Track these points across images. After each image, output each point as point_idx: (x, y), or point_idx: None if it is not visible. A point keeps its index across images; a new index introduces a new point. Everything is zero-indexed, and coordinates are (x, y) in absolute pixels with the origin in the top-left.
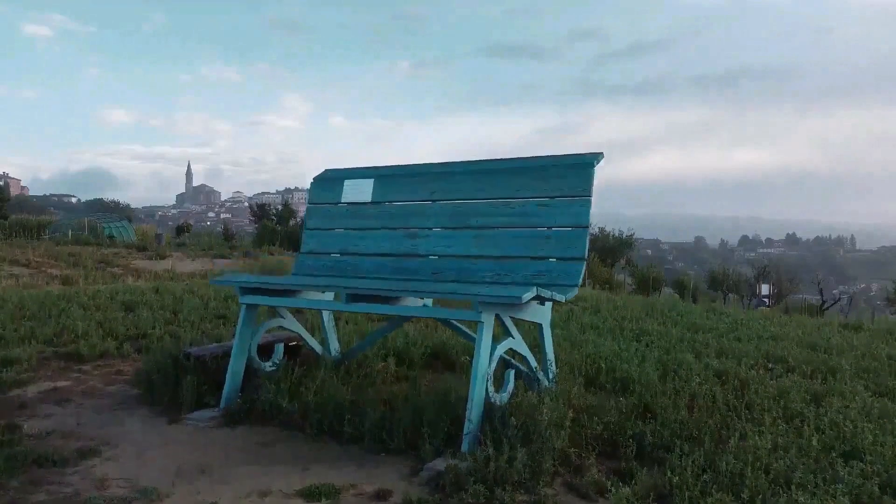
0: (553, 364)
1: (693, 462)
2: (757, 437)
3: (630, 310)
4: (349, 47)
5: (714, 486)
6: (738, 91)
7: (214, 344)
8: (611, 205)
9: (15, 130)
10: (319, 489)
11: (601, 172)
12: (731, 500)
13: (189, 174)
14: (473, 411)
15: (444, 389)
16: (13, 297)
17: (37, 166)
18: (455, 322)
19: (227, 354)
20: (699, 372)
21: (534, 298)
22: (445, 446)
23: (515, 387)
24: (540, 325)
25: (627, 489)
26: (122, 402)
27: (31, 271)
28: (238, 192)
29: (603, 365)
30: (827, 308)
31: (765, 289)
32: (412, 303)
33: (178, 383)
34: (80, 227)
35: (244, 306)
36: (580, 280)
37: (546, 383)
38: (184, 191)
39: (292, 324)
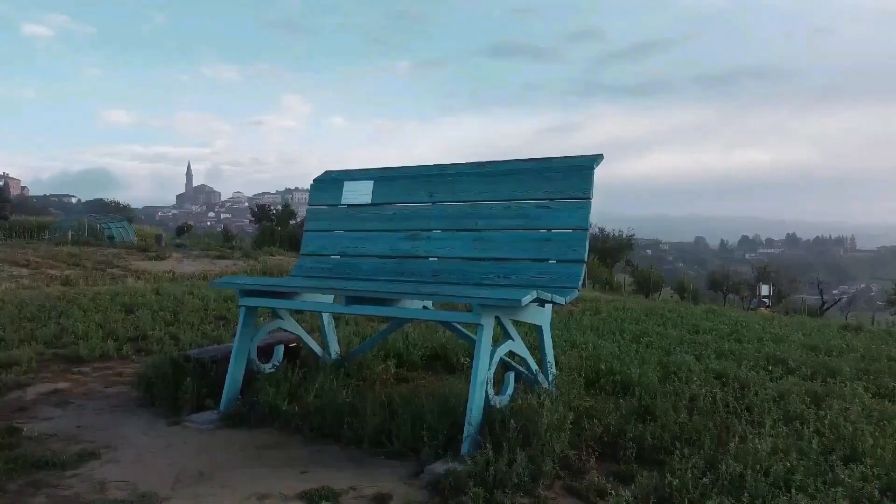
0: (553, 366)
1: (693, 465)
2: (757, 440)
3: (630, 311)
4: (349, 47)
5: (714, 490)
6: (738, 91)
7: (214, 346)
8: (611, 205)
9: (15, 130)
10: (319, 492)
11: (601, 172)
12: None
13: (189, 174)
14: (473, 414)
15: (444, 392)
16: (13, 298)
17: (37, 166)
18: (455, 324)
19: (226, 357)
20: (699, 374)
21: (534, 301)
22: (445, 449)
23: (515, 389)
24: (540, 327)
25: (627, 492)
26: (122, 405)
27: (32, 272)
28: (238, 192)
29: (603, 367)
30: (827, 309)
31: (765, 289)
32: (412, 305)
33: (178, 386)
34: (80, 228)
35: (244, 308)
36: (580, 282)
37: (546, 385)
38: (184, 191)
39: (292, 326)
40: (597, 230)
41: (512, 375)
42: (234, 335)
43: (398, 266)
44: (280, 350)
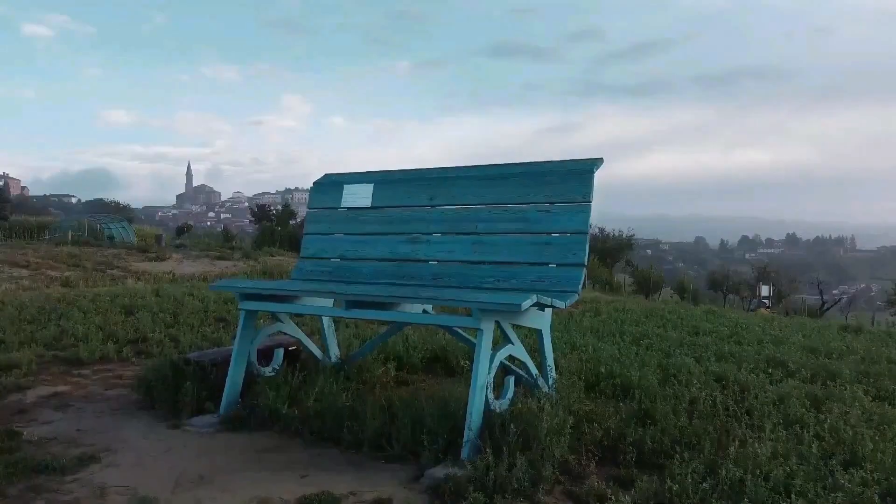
0: (553, 370)
1: (693, 470)
2: (757, 444)
3: (630, 312)
4: (349, 47)
5: (714, 495)
6: (738, 91)
7: (214, 349)
8: (611, 205)
9: (15, 130)
10: (319, 497)
11: (600, 172)
12: None
13: (189, 174)
14: (473, 418)
15: (444, 396)
16: (13, 300)
17: (37, 166)
18: (455, 328)
19: (226, 360)
20: (699, 376)
21: (533, 305)
22: (445, 453)
23: (515, 393)
24: (540, 330)
25: (627, 497)
26: (122, 408)
27: (32, 273)
28: (238, 192)
29: (603, 370)
30: (827, 309)
31: (765, 290)
32: (412, 309)
33: (177, 389)
34: (80, 228)
35: (244, 312)
36: (580, 286)
37: (546, 389)
38: (184, 191)
39: (292, 329)
40: (597, 230)
41: (512, 379)
42: (233, 337)
43: (398, 269)
44: (280, 353)
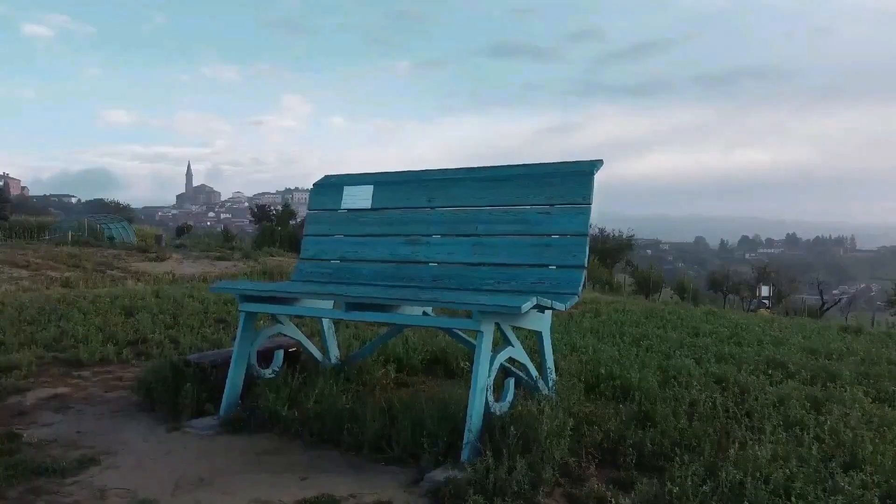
0: (553, 372)
1: (693, 472)
2: (757, 446)
3: (630, 313)
4: (349, 47)
5: (714, 498)
6: (738, 91)
7: (214, 350)
8: (611, 205)
9: (15, 130)
10: (319, 500)
11: (600, 172)
12: None
13: (189, 174)
14: (473, 421)
15: (444, 398)
16: (13, 301)
17: (37, 166)
18: (455, 330)
19: (226, 361)
20: (699, 378)
21: (533, 307)
22: (445, 456)
23: (515, 395)
24: (540, 332)
25: (627, 500)
26: (122, 410)
27: (32, 274)
28: (238, 192)
29: (603, 371)
30: (827, 309)
31: (765, 290)
32: (412, 311)
33: (177, 391)
34: (80, 229)
35: (244, 314)
36: (580, 288)
37: (546, 391)
38: (184, 191)
39: (292, 330)
40: (597, 230)
41: (512, 382)
42: (233, 339)
43: (398, 271)
44: (280, 355)
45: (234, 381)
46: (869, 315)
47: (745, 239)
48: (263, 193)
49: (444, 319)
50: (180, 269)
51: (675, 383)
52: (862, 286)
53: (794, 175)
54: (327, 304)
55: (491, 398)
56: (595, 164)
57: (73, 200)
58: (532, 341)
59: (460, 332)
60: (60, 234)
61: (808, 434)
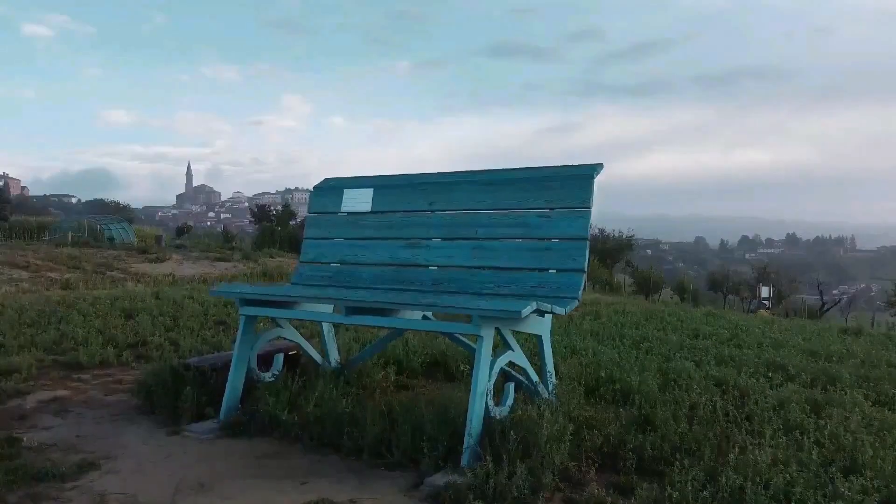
0: (553, 375)
1: (693, 477)
2: (757, 451)
3: (630, 315)
4: (349, 47)
5: (714, 503)
6: (738, 91)
7: (214, 353)
8: (611, 205)
9: (15, 130)
10: None
11: (600, 173)
12: None
13: (189, 174)
14: (473, 425)
15: (444, 402)
16: (13, 303)
17: (37, 166)
18: (455, 334)
19: (226, 365)
20: (699, 381)
21: (534, 311)
22: (445, 460)
23: (515, 399)
24: (540, 336)
25: None
26: (122, 413)
27: (31, 275)
28: (238, 192)
29: (603, 374)
30: (827, 310)
31: (765, 291)
32: (412, 315)
33: (177, 394)
34: (80, 229)
35: (244, 317)
36: (580, 293)
37: (546, 395)
38: (184, 191)
39: (292, 334)
40: (597, 230)
41: (512, 386)
42: (233, 341)
43: (398, 274)
44: (280, 358)
45: (234, 384)
46: (869, 315)
47: (745, 239)
48: (263, 193)
49: (444, 324)
50: (180, 270)
51: (675, 386)
52: (862, 286)
53: (794, 175)
54: (327, 308)
55: (491, 402)
56: (595, 168)
57: (73, 200)
58: (532, 344)
59: (460, 336)
60: (60, 235)
61: (808, 438)
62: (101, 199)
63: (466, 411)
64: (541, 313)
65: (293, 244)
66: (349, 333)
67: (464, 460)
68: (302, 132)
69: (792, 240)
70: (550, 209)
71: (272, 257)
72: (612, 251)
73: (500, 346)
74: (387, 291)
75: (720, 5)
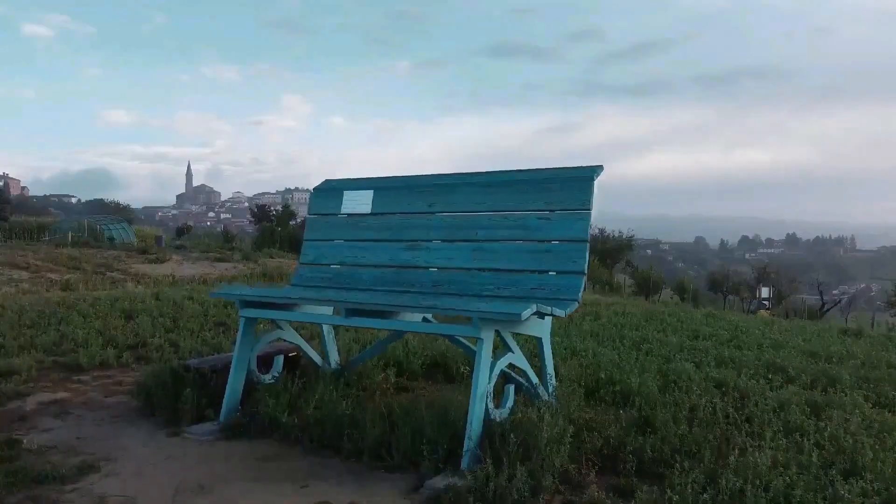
0: (553, 377)
1: (693, 479)
2: (757, 453)
3: (630, 316)
4: (349, 47)
5: None
6: (738, 91)
7: (214, 355)
8: (611, 205)
9: (15, 130)
10: None
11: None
12: None
13: (189, 174)
14: (473, 428)
15: (444, 404)
16: (13, 304)
17: (37, 166)
18: (455, 336)
19: (226, 366)
20: (699, 383)
21: (534, 314)
22: (445, 462)
23: (515, 402)
24: (539, 338)
25: None
26: (122, 415)
27: (31, 276)
28: (238, 192)
29: (603, 376)
30: (827, 310)
31: (765, 291)
32: (412, 317)
33: (177, 396)
34: (80, 229)
35: (244, 319)
36: (580, 295)
37: (546, 397)
38: (184, 191)
39: (292, 335)
40: (597, 231)
41: (512, 388)
42: (233, 342)
43: (398, 276)
44: (280, 360)
45: (234, 386)
46: (869, 315)
47: (745, 239)
48: (263, 193)
49: (444, 326)
50: (180, 270)
51: (676, 388)
52: (862, 286)
53: (794, 175)
54: (327, 310)
55: (491, 405)
56: (595, 170)
57: (73, 200)
58: (532, 345)
59: (460, 338)
60: (60, 235)
61: (808, 440)
62: (101, 200)
63: (466, 414)
64: (541, 315)
65: (293, 244)
66: (349, 334)
67: (464, 463)
68: (302, 132)
69: (792, 240)
70: (550, 211)
71: (272, 258)
72: (612, 251)
73: (500, 347)
74: (387, 293)
75: (720, 5)
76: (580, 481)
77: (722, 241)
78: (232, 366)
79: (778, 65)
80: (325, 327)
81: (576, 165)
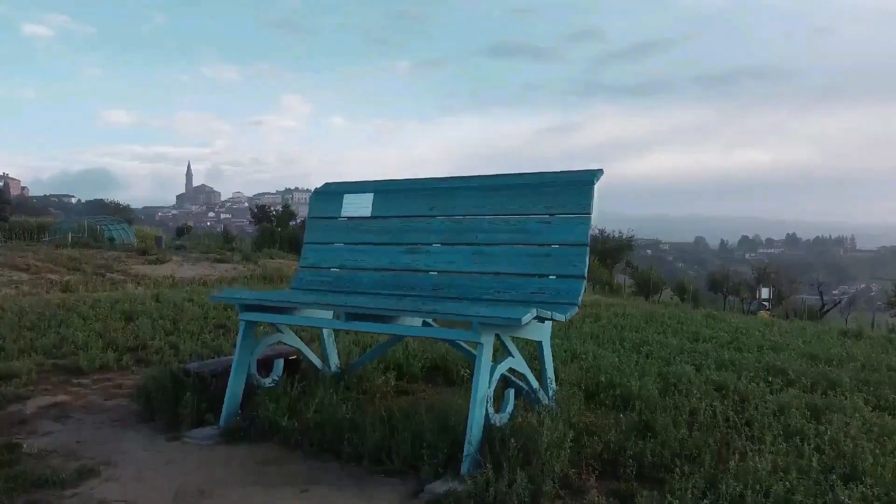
0: (553, 381)
1: (693, 484)
2: (757, 458)
3: (630, 318)
4: (349, 47)
5: None
6: (738, 91)
7: (214, 359)
8: (611, 205)
9: (15, 130)
10: None
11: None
12: None
13: (189, 174)
14: (473, 433)
15: (444, 408)
16: (13, 305)
17: (37, 166)
18: (455, 341)
19: (226, 370)
20: (699, 386)
21: (534, 318)
22: (445, 467)
23: (515, 406)
24: (540, 342)
25: None
26: (122, 419)
27: (31, 277)
28: (238, 192)
29: (603, 379)
30: (827, 311)
31: (765, 292)
32: (412, 321)
33: (177, 400)
34: (80, 230)
35: (244, 323)
36: (580, 299)
37: (546, 401)
38: (184, 191)
39: (292, 339)
40: (597, 231)
41: (512, 392)
42: (233, 345)
43: (398, 280)
44: (280, 364)
45: (234, 390)
46: (869, 316)
47: (745, 239)
48: (263, 193)
49: (444, 330)
50: (180, 271)
51: (675, 391)
52: (862, 286)
53: (794, 175)
54: (327, 314)
55: (491, 409)
56: (595, 174)
57: (73, 201)
58: (532, 348)
59: (461, 342)
60: (60, 236)
61: (808, 445)
62: (101, 200)
63: (467, 418)
64: (541, 319)
65: (293, 245)
66: (349, 337)
67: (464, 468)
68: (302, 132)
69: (792, 240)
70: (551, 215)
71: (272, 258)
72: (611, 251)
73: (500, 351)
74: (387, 297)
75: (720, 5)
76: (580, 486)
77: (722, 241)
78: (232, 370)
79: (778, 65)
80: (325, 330)
81: (576, 169)
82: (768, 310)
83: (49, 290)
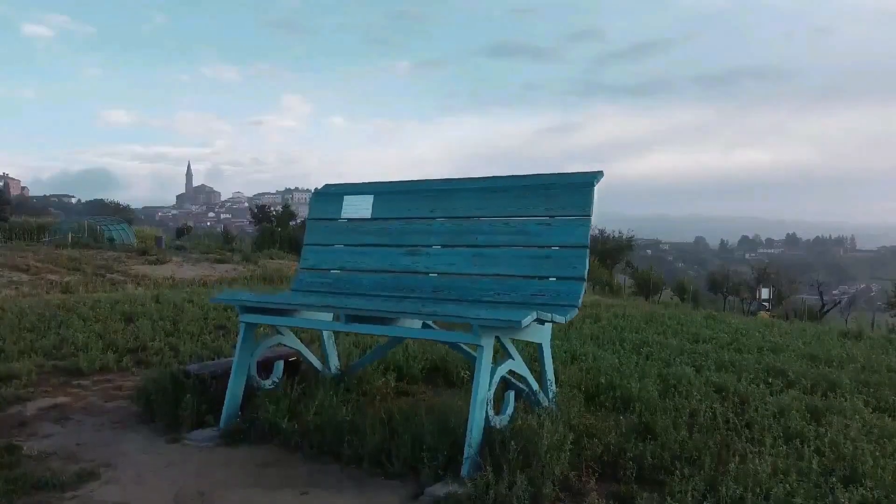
0: (553, 383)
1: (693, 487)
2: (757, 460)
3: (630, 318)
4: (349, 47)
5: None
6: (738, 91)
7: (214, 360)
8: (611, 205)
9: (15, 130)
10: None
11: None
12: None
13: (189, 174)
14: (473, 435)
15: (444, 410)
16: (13, 306)
17: (37, 166)
18: (455, 343)
19: (226, 372)
20: (699, 387)
21: (534, 320)
22: (445, 470)
23: (515, 408)
24: (540, 344)
25: None
26: (122, 421)
27: (31, 277)
28: (238, 192)
29: (603, 380)
30: (827, 311)
31: (765, 292)
32: (412, 323)
33: (177, 401)
34: (80, 230)
35: (244, 324)
36: (580, 301)
37: (546, 403)
38: (184, 191)
39: (292, 340)
40: (596, 231)
41: (512, 395)
42: (233, 346)
43: (398, 281)
44: (280, 365)
45: (233, 392)
46: (869, 316)
47: (745, 239)
48: (263, 193)
49: (444, 333)
50: (180, 272)
51: (676, 393)
52: (862, 286)
53: (794, 175)
54: (327, 316)
55: (491, 412)
56: (595, 176)
57: (73, 201)
58: (532, 350)
59: (461, 345)
60: (61, 236)
61: (808, 447)
62: (101, 200)
63: (466, 420)
64: (541, 321)
65: (293, 245)
66: (349, 339)
67: (464, 470)
68: (302, 132)
69: (792, 240)
70: (551, 217)
71: (272, 258)
72: (611, 252)
73: (501, 353)
74: (387, 299)
75: (720, 5)
76: (580, 488)
77: (722, 241)
78: (232, 371)
79: (778, 65)
80: (325, 332)
81: (576, 171)
82: (768, 310)
83: (49, 290)
